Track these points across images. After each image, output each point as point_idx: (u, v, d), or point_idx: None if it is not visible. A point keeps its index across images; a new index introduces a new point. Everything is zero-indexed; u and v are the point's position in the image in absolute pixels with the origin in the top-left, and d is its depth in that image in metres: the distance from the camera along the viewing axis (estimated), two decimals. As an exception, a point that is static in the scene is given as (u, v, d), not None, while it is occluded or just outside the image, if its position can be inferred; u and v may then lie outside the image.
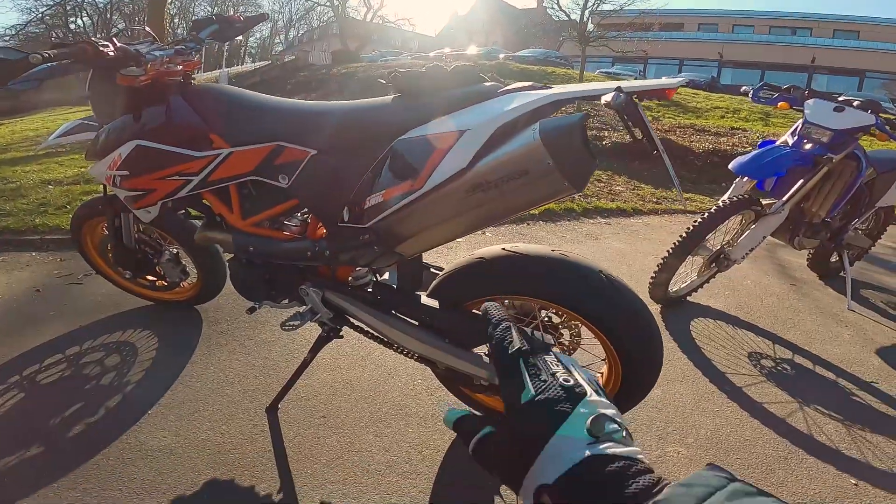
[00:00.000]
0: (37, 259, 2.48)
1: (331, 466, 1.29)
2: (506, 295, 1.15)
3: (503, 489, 1.26)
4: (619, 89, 0.90)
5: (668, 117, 8.25)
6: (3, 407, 1.43)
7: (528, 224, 3.46)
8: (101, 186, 1.59)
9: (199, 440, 1.34)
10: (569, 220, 3.60)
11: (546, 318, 1.21)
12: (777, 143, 2.23)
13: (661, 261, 2.11)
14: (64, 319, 1.87)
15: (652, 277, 2.16)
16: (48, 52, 1.17)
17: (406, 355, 1.30)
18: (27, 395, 1.48)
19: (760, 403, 1.68)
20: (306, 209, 1.27)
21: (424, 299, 1.20)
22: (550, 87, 0.96)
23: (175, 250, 1.75)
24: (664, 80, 0.96)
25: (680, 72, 26.71)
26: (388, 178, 1.01)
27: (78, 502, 1.15)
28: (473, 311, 1.21)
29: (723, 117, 8.48)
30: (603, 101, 0.90)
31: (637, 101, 0.91)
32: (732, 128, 7.19)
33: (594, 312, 1.05)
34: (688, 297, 2.34)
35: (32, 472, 1.22)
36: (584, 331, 1.20)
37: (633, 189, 4.74)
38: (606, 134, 6.31)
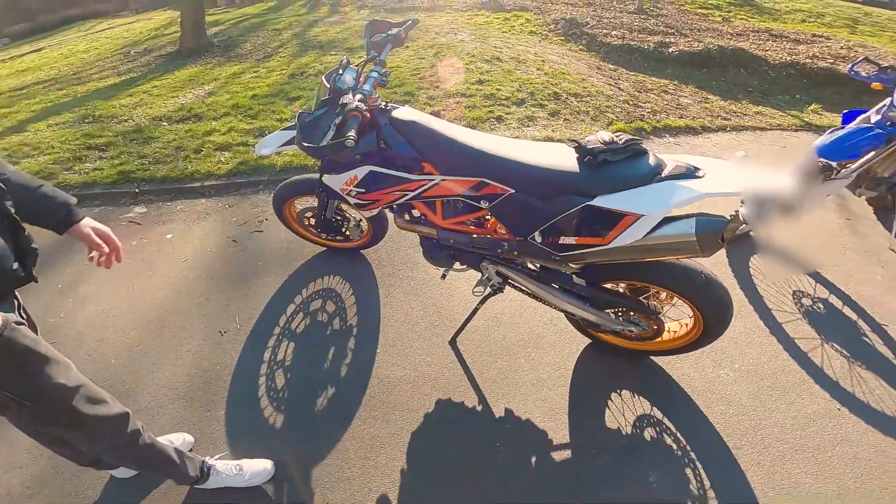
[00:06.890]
0: (207, 206, 2.98)
1: (502, 385, 1.91)
2: (633, 281, 1.64)
3: (624, 398, 1.87)
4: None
5: (741, 18, 7.65)
6: (286, 360, 1.97)
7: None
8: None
9: (418, 371, 1.94)
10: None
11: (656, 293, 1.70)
12: (859, 118, 2.42)
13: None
14: (272, 269, 2.43)
15: None
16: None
17: (552, 307, 1.81)
18: (297, 346, 2.04)
19: (793, 338, 2.15)
20: None
21: (576, 279, 1.69)
22: (699, 173, 1.33)
23: (359, 218, 2.27)
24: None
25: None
26: (580, 228, 1.43)
27: (373, 430, 1.73)
28: (607, 286, 1.70)
29: (804, 21, 7.79)
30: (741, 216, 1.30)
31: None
32: (814, 34, 6.65)
33: (693, 297, 1.56)
34: (751, 233, 2.74)
35: (330, 419, 1.76)
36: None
37: (701, 101, 4.74)
38: (672, 41, 6.07)
